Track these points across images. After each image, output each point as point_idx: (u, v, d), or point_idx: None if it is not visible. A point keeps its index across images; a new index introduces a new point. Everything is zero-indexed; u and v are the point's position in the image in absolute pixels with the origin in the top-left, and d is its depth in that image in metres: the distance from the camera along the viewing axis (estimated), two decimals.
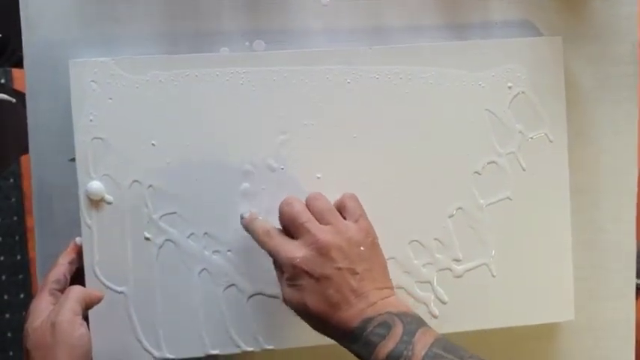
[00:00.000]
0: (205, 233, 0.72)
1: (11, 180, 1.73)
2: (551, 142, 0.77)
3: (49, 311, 0.67)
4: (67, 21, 0.74)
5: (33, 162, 0.75)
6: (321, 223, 0.65)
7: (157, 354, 0.72)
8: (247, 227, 0.69)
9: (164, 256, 0.72)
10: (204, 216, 0.72)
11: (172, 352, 0.72)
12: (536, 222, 0.77)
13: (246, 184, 0.73)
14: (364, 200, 0.74)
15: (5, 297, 1.73)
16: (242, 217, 0.69)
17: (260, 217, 0.69)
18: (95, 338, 0.70)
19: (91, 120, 0.71)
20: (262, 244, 0.66)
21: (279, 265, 0.65)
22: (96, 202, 0.71)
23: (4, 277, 1.73)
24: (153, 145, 0.71)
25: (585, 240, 0.82)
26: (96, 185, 0.70)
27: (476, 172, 0.76)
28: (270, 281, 0.73)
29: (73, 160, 0.72)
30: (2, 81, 1.67)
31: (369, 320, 0.62)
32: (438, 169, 0.76)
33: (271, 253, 0.66)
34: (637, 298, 0.86)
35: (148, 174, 0.72)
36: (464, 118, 0.76)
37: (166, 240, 0.72)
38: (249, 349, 0.73)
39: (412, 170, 0.75)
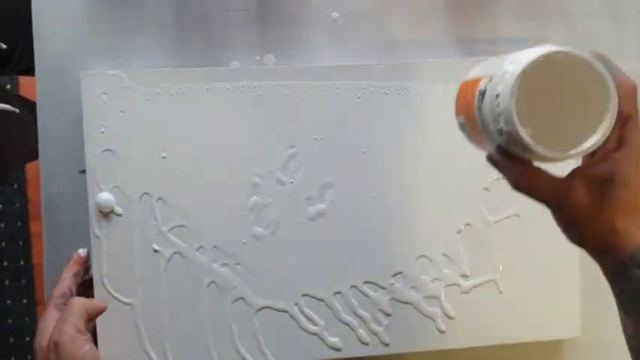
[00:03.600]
0: (214, 246, 0.72)
1: (15, 186, 1.73)
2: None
3: (53, 328, 0.66)
4: (78, 33, 0.75)
5: (42, 172, 0.75)
6: None
7: None
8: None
9: (172, 269, 0.72)
10: (213, 229, 0.73)
11: None
12: (543, 239, 0.77)
13: (255, 198, 0.73)
14: (373, 214, 0.74)
15: (8, 302, 1.73)
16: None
17: None
18: (102, 349, 0.70)
19: (102, 132, 0.71)
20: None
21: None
22: (105, 214, 0.71)
23: (7, 283, 1.73)
24: (163, 157, 0.72)
25: None
26: (105, 197, 0.71)
27: (484, 189, 0.76)
28: (278, 295, 0.73)
29: (83, 172, 0.72)
30: (8, 87, 1.67)
31: None
32: (447, 184, 0.76)
33: None
34: None
35: (157, 186, 0.72)
36: None
37: (175, 252, 0.72)
38: None
39: (421, 186, 0.75)
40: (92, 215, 0.71)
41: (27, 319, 1.72)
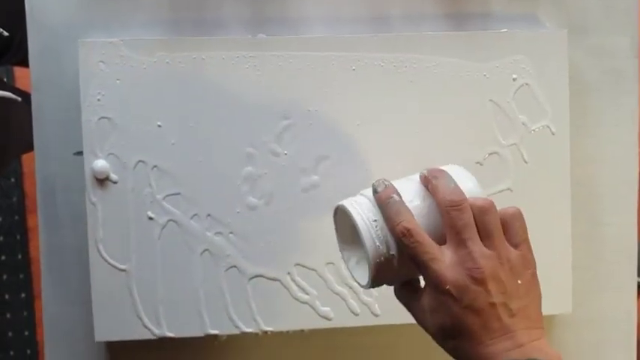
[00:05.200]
0: (208, 215, 0.73)
1: (12, 179, 1.73)
2: (553, 134, 0.77)
3: None
4: (72, 14, 0.75)
5: (37, 155, 0.76)
6: (483, 242, 0.55)
7: (156, 331, 0.72)
8: (382, 207, 0.57)
9: (167, 236, 0.73)
10: (207, 198, 0.73)
11: (172, 331, 0.73)
12: (536, 214, 0.77)
13: (249, 168, 0.73)
14: (366, 186, 0.74)
15: (6, 296, 1.72)
16: (375, 191, 0.57)
17: (396, 198, 0.57)
18: (97, 314, 0.71)
19: (98, 100, 0.71)
20: (407, 247, 0.54)
21: (426, 278, 0.55)
22: (101, 181, 0.71)
23: (5, 277, 1.72)
24: (158, 126, 0.72)
25: (585, 232, 0.82)
26: (101, 164, 0.71)
27: (477, 163, 0.77)
28: (271, 264, 0.74)
29: (79, 153, 0.72)
30: (5, 79, 1.68)
31: None
32: (440, 158, 0.76)
33: (419, 265, 0.54)
34: (638, 297, 0.86)
35: (153, 154, 0.72)
36: (467, 108, 0.76)
37: (169, 220, 0.73)
38: (248, 330, 0.73)
39: (414, 159, 0.76)
40: (88, 182, 0.71)
41: (25, 312, 1.71)
